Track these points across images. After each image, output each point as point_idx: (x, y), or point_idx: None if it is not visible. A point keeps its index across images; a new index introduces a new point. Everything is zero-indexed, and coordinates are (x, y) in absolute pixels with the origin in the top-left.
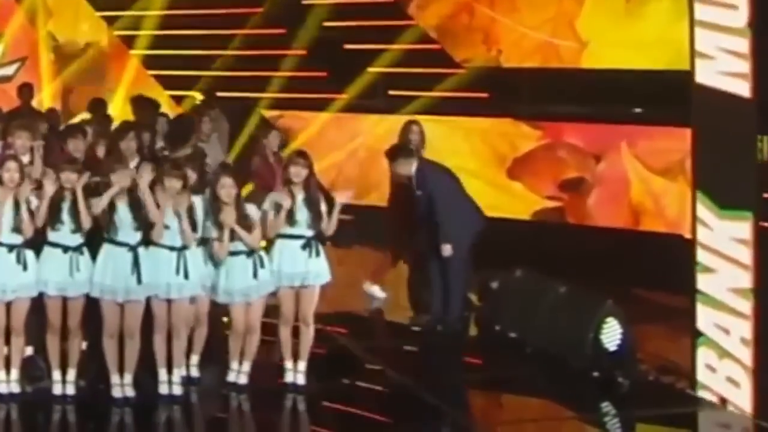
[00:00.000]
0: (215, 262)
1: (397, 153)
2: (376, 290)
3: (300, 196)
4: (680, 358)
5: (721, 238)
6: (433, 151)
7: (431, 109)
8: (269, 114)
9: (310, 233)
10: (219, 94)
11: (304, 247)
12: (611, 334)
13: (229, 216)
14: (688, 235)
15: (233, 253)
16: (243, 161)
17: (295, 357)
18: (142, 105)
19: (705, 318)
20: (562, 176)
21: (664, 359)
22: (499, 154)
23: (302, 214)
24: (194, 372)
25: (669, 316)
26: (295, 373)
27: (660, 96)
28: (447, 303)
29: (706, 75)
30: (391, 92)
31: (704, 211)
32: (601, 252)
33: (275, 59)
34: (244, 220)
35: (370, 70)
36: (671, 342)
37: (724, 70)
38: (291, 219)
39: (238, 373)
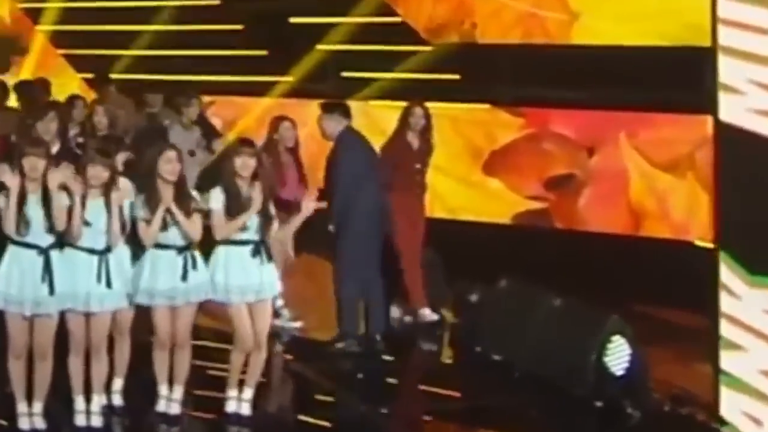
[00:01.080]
0: (138, 249)
1: (330, 107)
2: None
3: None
4: (696, 386)
5: (752, 310)
6: None
7: (392, 93)
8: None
9: (259, 237)
10: (141, 76)
11: (254, 253)
12: (618, 356)
13: (166, 193)
14: (698, 242)
15: (161, 246)
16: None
17: (241, 383)
18: (28, 91)
19: (731, 404)
20: (549, 172)
21: (678, 387)
22: (474, 146)
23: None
24: (117, 399)
25: (679, 336)
26: (240, 402)
27: (667, 77)
28: (366, 316)
29: (733, 112)
30: (345, 74)
31: (730, 276)
32: (594, 262)
33: (207, 36)
34: (184, 205)
35: (319, 47)
36: (683, 366)
37: (755, 107)
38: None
39: (168, 400)
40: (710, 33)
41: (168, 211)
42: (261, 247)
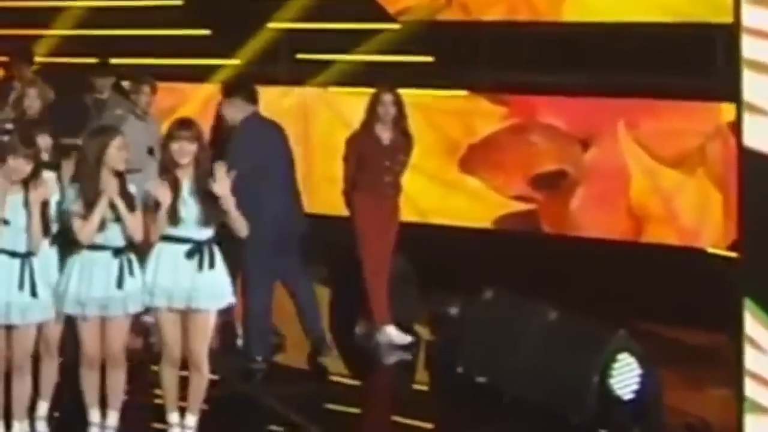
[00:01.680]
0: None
1: (231, 90)
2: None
3: (186, 184)
4: (711, 413)
5: None
6: None
7: (353, 78)
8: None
9: (201, 235)
10: (62, 59)
11: (190, 254)
12: (625, 377)
13: (110, 184)
14: (711, 249)
15: (95, 248)
16: None
17: (182, 409)
18: None
19: None
20: (536, 169)
21: (692, 415)
22: (449, 139)
23: (189, 209)
24: (42, 427)
25: (692, 357)
26: (183, 431)
27: (673, 59)
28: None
29: (758, 135)
30: (299, 56)
31: (755, 326)
32: (589, 273)
33: (140, 12)
34: (126, 199)
35: (271, 26)
36: (697, 391)
37: None
38: (173, 216)
39: (101, 428)
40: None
41: (111, 204)
42: (203, 248)
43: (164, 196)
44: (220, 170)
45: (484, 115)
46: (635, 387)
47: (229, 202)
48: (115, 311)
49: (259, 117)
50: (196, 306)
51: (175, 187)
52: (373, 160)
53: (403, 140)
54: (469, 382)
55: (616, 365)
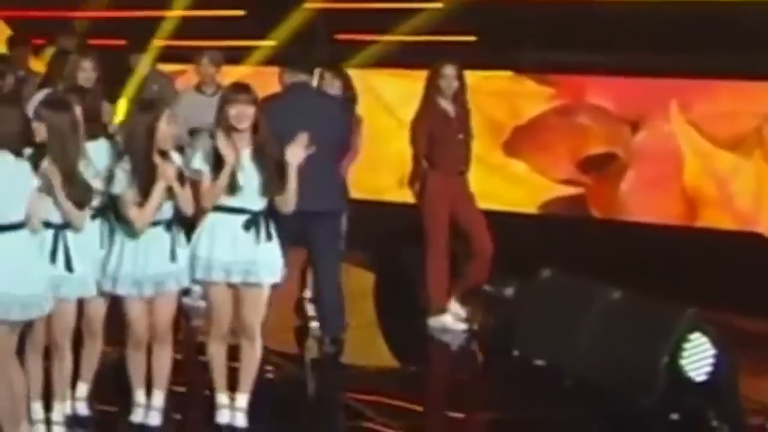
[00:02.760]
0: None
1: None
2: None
3: (246, 151)
4: None
5: None
6: (393, 120)
7: (394, 59)
8: (166, 68)
9: (258, 206)
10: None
11: (248, 225)
12: (698, 357)
13: (165, 167)
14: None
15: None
16: None
17: (233, 387)
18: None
19: None
20: (584, 152)
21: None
22: (493, 121)
23: (248, 178)
24: (82, 408)
25: (749, 344)
26: (233, 412)
27: (729, 37)
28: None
29: None
30: (338, 36)
31: None
32: (640, 259)
33: None
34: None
35: (307, 6)
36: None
37: None
38: (231, 184)
39: (147, 409)
40: None
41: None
42: (260, 219)
43: (230, 155)
44: (302, 140)
45: (529, 97)
46: (709, 368)
47: (294, 174)
48: (169, 286)
49: (305, 86)
50: (254, 280)
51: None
52: (446, 134)
53: (465, 114)
54: (527, 364)
55: (687, 346)
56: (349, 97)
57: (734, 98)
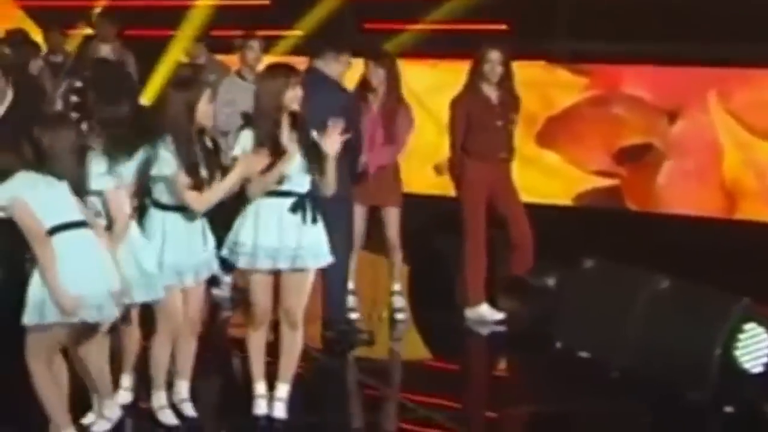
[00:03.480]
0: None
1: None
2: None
3: (288, 133)
4: None
5: None
6: (424, 111)
7: (423, 48)
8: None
9: (303, 188)
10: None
11: (295, 208)
12: (754, 348)
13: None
14: None
15: (179, 209)
16: None
17: (272, 377)
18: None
19: None
20: (619, 143)
21: None
22: (526, 111)
23: (293, 161)
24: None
25: None
26: (272, 402)
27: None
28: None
29: None
30: (367, 25)
31: None
32: (678, 253)
33: None
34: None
35: None
36: None
37: None
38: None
39: (182, 400)
40: None
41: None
42: (306, 203)
43: (294, 149)
44: (336, 127)
45: (563, 87)
46: (766, 360)
47: (333, 163)
48: (204, 275)
49: (314, 71)
50: (301, 265)
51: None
52: (485, 120)
53: (511, 100)
54: (570, 356)
55: (742, 336)
56: (392, 87)
57: None
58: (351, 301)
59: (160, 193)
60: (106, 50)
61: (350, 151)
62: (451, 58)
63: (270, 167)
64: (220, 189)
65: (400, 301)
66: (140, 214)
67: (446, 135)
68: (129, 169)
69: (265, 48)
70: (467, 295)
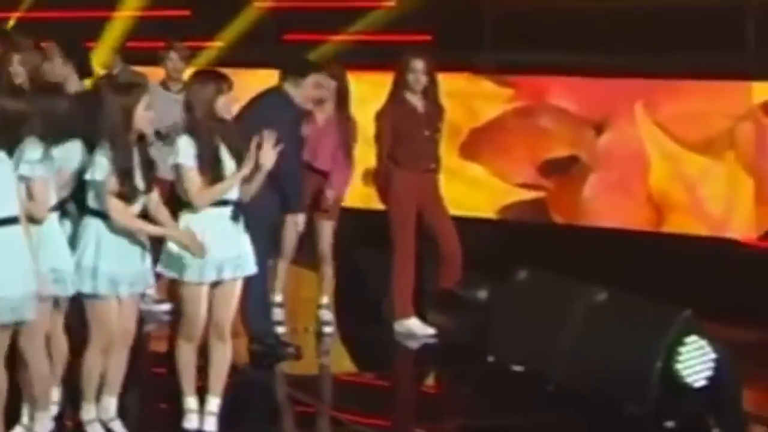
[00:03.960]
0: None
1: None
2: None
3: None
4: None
5: None
6: None
7: (346, 59)
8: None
9: (235, 195)
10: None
11: (235, 216)
12: (696, 361)
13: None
14: (741, 239)
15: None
16: None
17: (202, 390)
18: None
19: None
20: (545, 155)
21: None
22: (450, 123)
23: (228, 167)
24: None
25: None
26: (202, 416)
27: (698, 35)
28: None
29: None
30: (287, 36)
31: None
32: (605, 266)
33: None
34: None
35: (257, 5)
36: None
37: None
38: (217, 172)
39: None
40: None
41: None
42: (238, 209)
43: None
44: (269, 139)
45: (487, 98)
46: (708, 373)
47: (264, 174)
48: (140, 287)
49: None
50: (240, 274)
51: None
52: (412, 131)
53: (437, 110)
54: (503, 370)
55: (683, 350)
56: (342, 100)
57: (704, 99)
58: (279, 313)
59: (94, 199)
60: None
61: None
62: (374, 70)
63: (213, 177)
64: (130, 215)
65: (327, 315)
66: (62, 214)
67: (372, 148)
68: (60, 161)
69: (187, 58)
70: (396, 308)
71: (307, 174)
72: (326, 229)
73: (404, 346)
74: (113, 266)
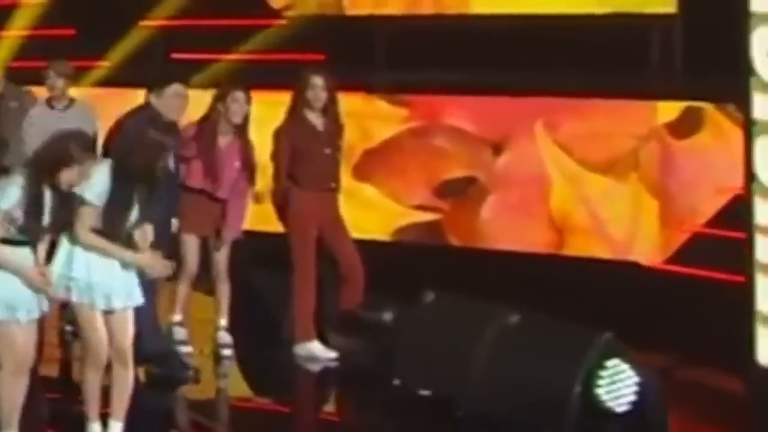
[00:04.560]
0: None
1: None
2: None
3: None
4: None
5: None
6: None
7: (235, 78)
8: None
9: None
10: None
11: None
12: (617, 386)
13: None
14: (644, 262)
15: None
16: None
17: (105, 414)
18: None
19: None
20: (441, 176)
21: None
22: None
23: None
24: None
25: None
26: None
27: (600, 53)
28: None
29: None
30: (175, 55)
31: None
32: (503, 289)
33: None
34: None
35: (144, 24)
36: None
37: None
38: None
39: None
40: None
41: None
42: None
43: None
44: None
45: (381, 118)
46: (631, 398)
47: None
48: (36, 313)
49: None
50: (132, 302)
51: None
52: (312, 149)
53: (336, 128)
54: (409, 395)
55: (604, 373)
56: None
57: (608, 118)
58: (181, 333)
59: None
60: None
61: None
62: (266, 90)
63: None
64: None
65: (225, 337)
66: None
67: (267, 168)
68: None
69: (67, 75)
70: (297, 331)
71: (204, 201)
72: (221, 248)
73: (305, 369)
74: (10, 291)
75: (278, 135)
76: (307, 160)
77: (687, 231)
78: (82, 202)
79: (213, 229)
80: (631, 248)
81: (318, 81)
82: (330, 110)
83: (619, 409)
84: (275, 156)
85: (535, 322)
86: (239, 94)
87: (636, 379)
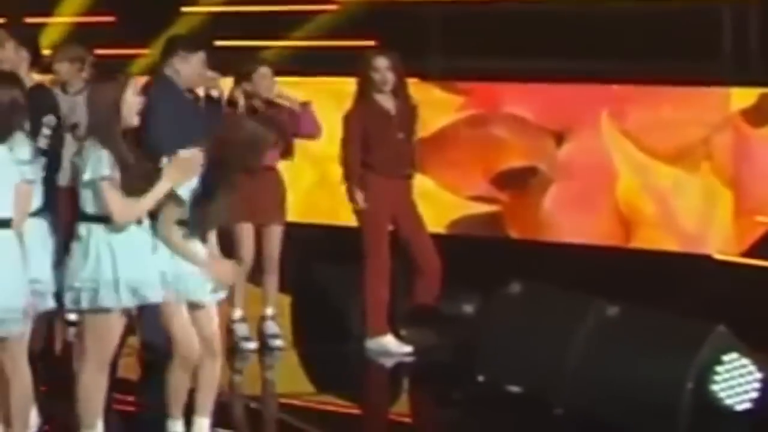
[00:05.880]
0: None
1: None
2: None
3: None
4: None
5: None
6: None
7: (285, 65)
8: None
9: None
10: None
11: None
12: (736, 383)
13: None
14: (719, 255)
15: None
16: None
17: (189, 409)
18: None
19: None
20: (500, 166)
21: None
22: None
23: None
24: None
25: None
26: None
27: (669, 38)
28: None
29: None
30: (220, 42)
31: None
32: (567, 284)
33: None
34: None
35: (187, 10)
36: None
37: None
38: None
39: None
40: None
41: None
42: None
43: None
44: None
45: (437, 106)
46: (753, 395)
47: None
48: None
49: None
50: (218, 295)
51: None
52: (385, 133)
53: (409, 110)
54: (496, 391)
55: (721, 369)
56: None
57: (678, 106)
58: (243, 329)
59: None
60: None
61: None
62: (319, 77)
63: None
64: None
65: (273, 327)
66: None
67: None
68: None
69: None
70: (369, 325)
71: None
72: (273, 235)
73: (378, 364)
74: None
75: (348, 120)
76: (381, 145)
77: (763, 223)
78: (171, 195)
79: (267, 215)
80: (703, 241)
81: (382, 62)
82: (401, 92)
83: (739, 407)
84: (345, 142)
85: (636, 314)
86: (266, 70)
87: (759, 374)
